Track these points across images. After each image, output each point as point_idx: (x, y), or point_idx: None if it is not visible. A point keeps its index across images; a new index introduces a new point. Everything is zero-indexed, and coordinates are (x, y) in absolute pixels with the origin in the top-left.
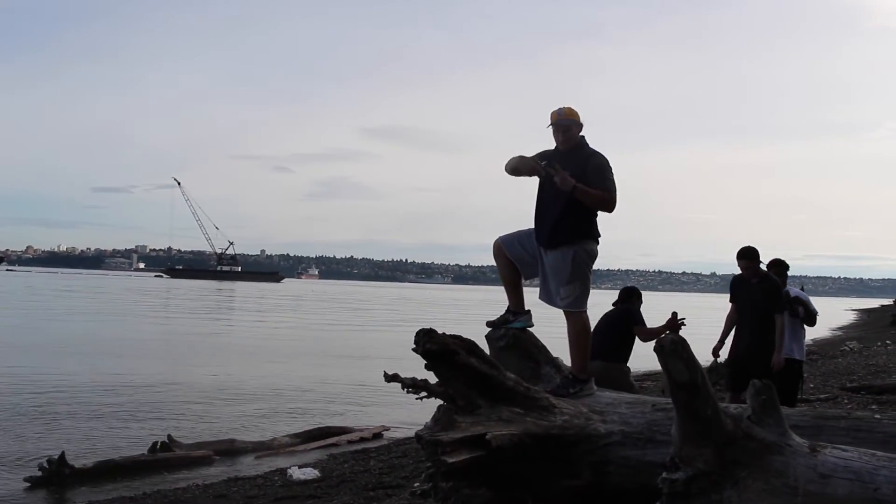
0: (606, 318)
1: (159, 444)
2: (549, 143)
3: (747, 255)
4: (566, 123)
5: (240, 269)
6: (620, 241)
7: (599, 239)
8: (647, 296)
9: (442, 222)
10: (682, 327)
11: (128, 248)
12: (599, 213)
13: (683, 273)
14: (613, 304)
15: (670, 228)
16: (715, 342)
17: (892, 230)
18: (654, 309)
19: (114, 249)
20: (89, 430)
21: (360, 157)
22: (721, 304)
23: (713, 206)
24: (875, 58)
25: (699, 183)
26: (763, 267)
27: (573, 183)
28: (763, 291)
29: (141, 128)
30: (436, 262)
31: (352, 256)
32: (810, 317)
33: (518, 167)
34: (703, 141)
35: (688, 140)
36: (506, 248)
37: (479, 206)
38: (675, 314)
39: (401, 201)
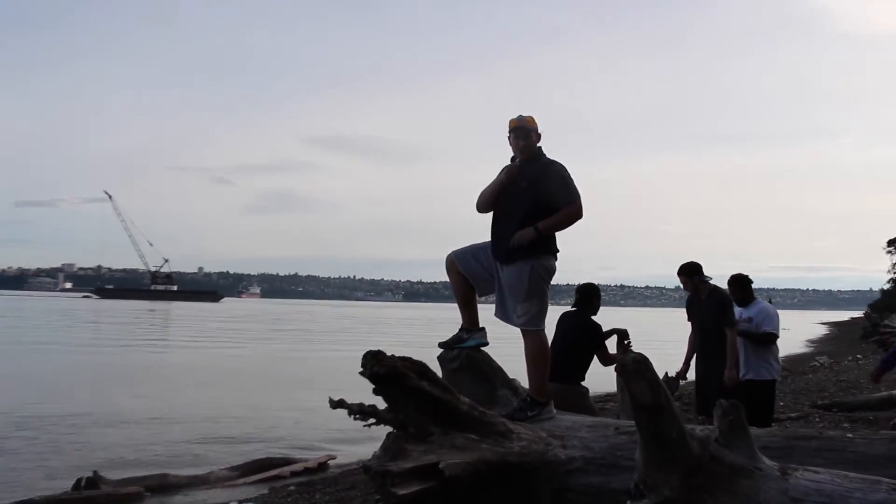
0: (564, 329)
1: (84, 480)
2: (504, 158)
3: (683, 271)
4: (526, 130)
5: (175, 288)
6: (580, 255)
7: (558, 254)
8: (609, 312)
9: (393, 237)
10: (629, 347)
11: (53, 266)
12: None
13: (647, 287)
14: (573, 306)
15: (632, 241)
16: (680, 363)
17: (860, 240)
18: (616, 325)
19: (38, 268)
20: (3, 466)
21: (306, 169)
22: (685, 320)
23: (676, 217)
24: (838, 65)
25: (662, 193)
26: (713, 283)
27: (531, 234)
28: (711, 306)
29: (69, 137)
30: (386, 279)
31: (296, 273)
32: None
33: (492, 191)
34: (664, 151)
35: (649, 150)
36: (459, 263)
37: (431, 220)
38: (623, 333)
39: (349, 215)
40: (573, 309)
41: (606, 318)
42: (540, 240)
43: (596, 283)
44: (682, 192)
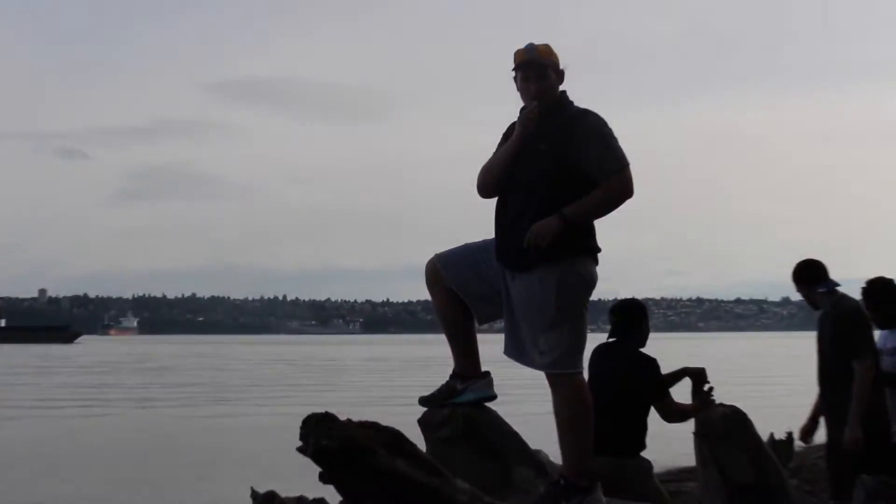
0: (603, 372)
1: None
2: (508, 117)
3: (797, 275)
4: (540, 66)
5: (3, 322)
6: (630, 253)
7: (599, 255)
8: (681, 340)
9: (343, 234)
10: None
11: None
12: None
13: (737, 301)
14: (610, 335)
15: (712, 229)
16: (804, 419)
17: None
18: (687, 362)
19: None
20: None
21: (204, 130)
22: (803, 349)
23: (783, 192)
24: None
25: (755, 154)
26: (842, 291)
27: (556, 225)
28: (831, 327)
29: None
30: (334, 299)
31: (193, 295)
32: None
33: (502, 160)
34: (753, 82)
35: (728, 81)
36: (447, 273)
37: (402, 206)
38: (699, 374)
39: (273, 200)
40: (611, 340)
41: (673, 350)
42: (571, 234)
43: (640, 300)
44: (793, 147)
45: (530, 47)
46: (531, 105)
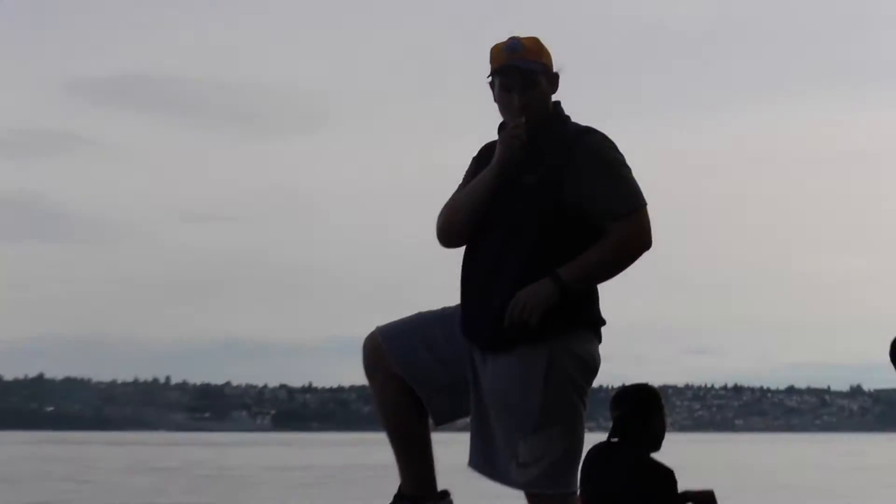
0: (598, 483)
1: None
2: (484, 133)
3: (891, 356)
4: (527, 69)
5: None
6: (645, 325)
7: (604, 328)
8: (711, 443)
9: (251, 292)
10: None
11: None
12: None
13: (790, 391)
14: (611, 434)
15: (757, 294)
16: None
17: None
18: (709, 478)
19: None
20: None
21: (60, 148)
22: (882, 457)
23: (863, 242)
24: None
25: (825, 187)
26: None
27: (548, 291)
28: None
29: None
30: (236, 384)
31: (41, 376)
32: None
33: (476, 194)
34: (810, 97)
35: (800, 88)
36: (393, 352)
37: (332, 255)
38: (705, 501)
39: (158, 246)
40: (612, 440)
41: (700, 456)
42: (567, 303)
43: (654, 387)
44: (884, 177)
45: (513, 44)
46: (516, 122)
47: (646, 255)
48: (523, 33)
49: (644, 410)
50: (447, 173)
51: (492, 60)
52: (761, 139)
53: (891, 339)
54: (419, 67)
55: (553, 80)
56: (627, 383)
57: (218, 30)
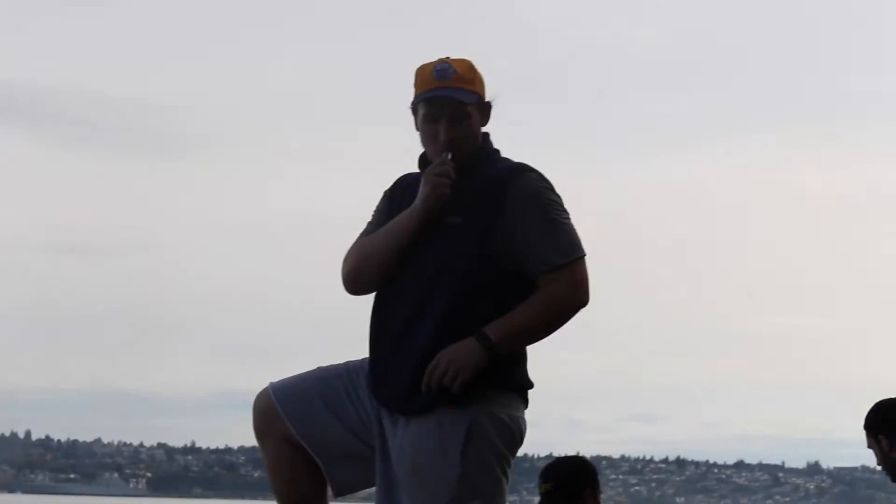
0: None
1: None
2: (403, 160)
3: (872, 424)
4: (456, 104)
5: None
6: (576, 387)
7: (529, 392)
8: None
9: (123, 334)
10: None
11: None
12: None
13: (739, 466)
14: None
15: (704, 354)
16: None
17: None
18: None
19: None
20: None
21: None
22: None
23: (811, 292)
24: None
25: (794, 225)
26: None
27: (474, 354)
28: None
29: None
30: (107, 441)
31: None
32: None
33: (390, 240)
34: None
35: (733, 134)
36: (288, 412)
37: (215, 296)
38: None
39: (3, 275)
40: None
41: None
42: (491, 364)
43: (588, 459)
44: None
45: (443, 68)
46: (442, 159)
47: (585, 309)
48: (455, 54)
49: (575, 487)
50: (346, 207)
51: (417, 84)
52: (706, 180)
53: (855, 407)
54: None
55: (485, 111)
56: (556, 452)
57: (85, 35)
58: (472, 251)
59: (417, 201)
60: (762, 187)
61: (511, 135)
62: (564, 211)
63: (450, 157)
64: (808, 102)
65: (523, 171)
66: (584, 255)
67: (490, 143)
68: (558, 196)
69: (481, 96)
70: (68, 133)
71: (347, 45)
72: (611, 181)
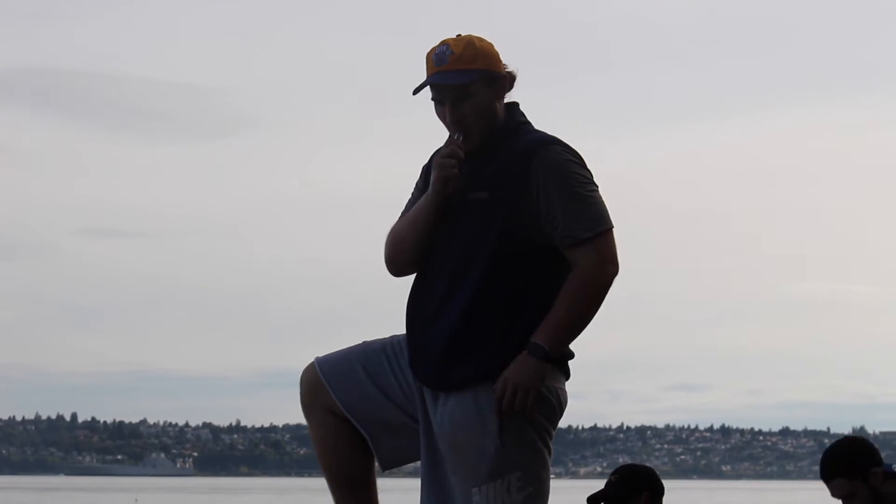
0: None
1: None
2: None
3: (829, 469)
4: (453, 87)
5: None
6: (618, 358)
7: (572, 362)
8: (695, 491)
9: (167, 318)
10: None
11: None
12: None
13: (785, 432)
14: (601, 499)
15: (747, 323)
16: None
17: None
18: None
19: None
20: None
21: None
22: None
23: (855, 259)
24: None
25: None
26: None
27: (536, 371)
28: None
29: None
30: (153, 421)
31: None
32: None
33: (418, 221)
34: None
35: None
36: (334, 386)
37: (263, 277)
38: None
39: (55, 263)
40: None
41: None
42: (524, 330)
43: (656, 473)
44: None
45: (440, 52)
46: (449, 141)
47: (625, 281)
48: (466, 31)
49: (633, 487)
50: (385, 186)
51: (428, 65)
52: (750, 149)
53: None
54: (354, 73)
55: (497, 84)
56: (600, 424)
57: (120, 21)
58: (499, 227)
59: (430, 188)
60: (809, 156)
61: (554, 105)
62: (590, 183)
63: (459, 137)
64: (860, 72)
65: (548, 143)
66: (611, 227)
67: (516, 114)
68: (585, 168)
69: (488, 71)
70: (112, 117)
71: (388, 27)
72: (656, 150)
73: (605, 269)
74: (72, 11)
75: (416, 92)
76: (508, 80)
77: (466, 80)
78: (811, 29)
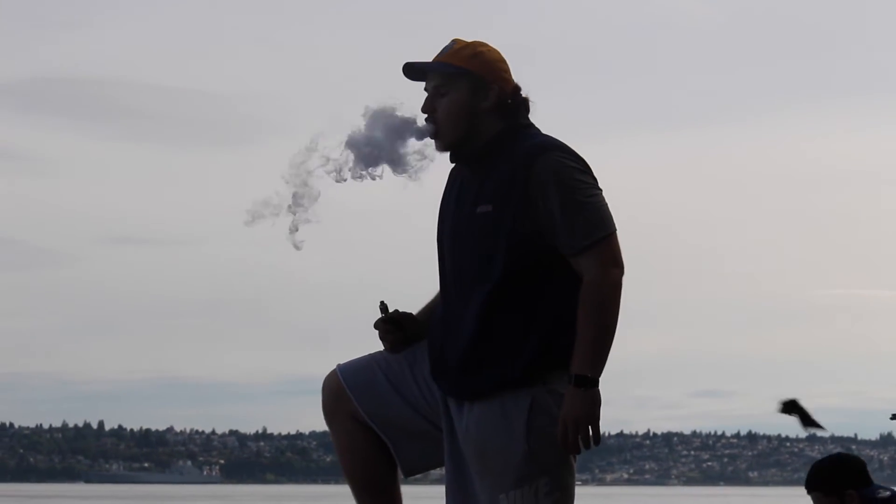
0: None
1: None
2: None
3: (827, 481)
4: (438, 70)
5: None
6: (641, 363)
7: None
8: (719, 498)
9: (193, 326)
10: None
11: None
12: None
13: (812, 439)
14: None
15: (773, 327)
16: None
17: None
18: None
19: None
20: None
21: None
22: None
23: (882, 263)
24: None
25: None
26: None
27: (595, 408)
28: None
29: None
30: (179, 429)
31: None
32: None
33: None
34: (835, 110)
35: (800, 107)
36: (357, 393)
37: (288, 283)
38: None
39: (79, 271)
40: None
41: None
42: (546, 339)
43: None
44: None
45: (446, 46)
46: (423, 127)
47: (650, 284)
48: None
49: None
50: (402, 197)
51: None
52: (770, 153)
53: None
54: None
55: (483, 91)
56: (627, 430)
57: (145, 30)
58: (507, 238)
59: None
60: (829, 160)
61: (580, 104)
62: (591, 188)
63: (429, 127)
64: (874, 79)
65: (546, 149)
66: (611, 231)
67: (519, 118)
68: (585, 173)
69: (476, 74)
70: (137, 126)
71: (406, 30)
72: (682, 153)
73: (608, 274)
74: (96, 20)
75: (405, 72)
76: (503, 95)
77: (443, 70)
78: (831, 34)
